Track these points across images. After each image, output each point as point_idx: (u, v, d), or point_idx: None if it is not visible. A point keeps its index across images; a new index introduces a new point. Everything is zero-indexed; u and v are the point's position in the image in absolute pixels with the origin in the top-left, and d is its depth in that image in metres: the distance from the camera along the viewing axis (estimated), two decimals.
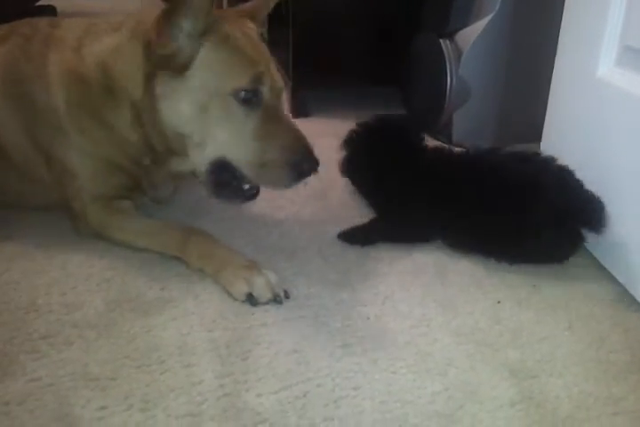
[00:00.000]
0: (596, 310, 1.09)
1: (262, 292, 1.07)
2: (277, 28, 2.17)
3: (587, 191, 1.19)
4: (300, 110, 2.10)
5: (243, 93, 1.09)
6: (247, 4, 1.25)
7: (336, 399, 0.87)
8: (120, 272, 1.16)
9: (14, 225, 1.31)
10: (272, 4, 1.25)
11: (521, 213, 1.17)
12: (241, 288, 1.07)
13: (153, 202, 1.35)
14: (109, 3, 3.86)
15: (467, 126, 1.83)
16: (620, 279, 1.16)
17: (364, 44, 2.12)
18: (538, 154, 1.30)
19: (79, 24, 1.25)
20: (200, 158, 1.15)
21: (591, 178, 1.24)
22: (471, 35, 1.76)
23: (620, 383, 0.91)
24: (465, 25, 1.78)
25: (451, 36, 1.81)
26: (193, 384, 0.89)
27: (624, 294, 1.13)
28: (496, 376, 0.92)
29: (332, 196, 1.47)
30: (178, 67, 1.07)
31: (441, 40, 1.81)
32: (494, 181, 1.21)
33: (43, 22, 1.29)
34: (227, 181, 1.17)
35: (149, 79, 1.11)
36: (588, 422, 0.85)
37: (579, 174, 1.25)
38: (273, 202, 1.44)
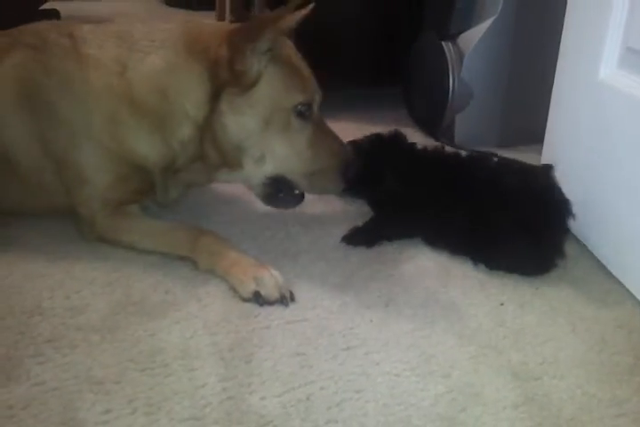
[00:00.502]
0: (599, 312, 1.09)
1: (270, 291, 1.07)
2: None
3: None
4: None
5: (300, 107, 1.16)
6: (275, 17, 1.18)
7: (339, 402, 0.87)
8: (124, 275, 1.16)
9: (16, 229, 1.32)
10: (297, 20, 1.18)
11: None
12: (249, 286, 1.08)
13: (158, 206, 1.35)
14: (112, 6, 3.88)
15: (469, 128, 1.84)
16: (624, 281, 1.16)
17: (366, 47, 2.12)
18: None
19: (104, 37, 1.23)
20: (258, 172, 1.22)
21: (593, 179, 1.25)
22: (473, 37, 1.77)
23: (624, 385, 0.91)
24: (467, 27, 1.79)
25: (453, 38, 1.82)
26: (196, 388, 0.89)
27: (627, 296, 1.13)
28: (499, 379, 0.92)
29: (334, 199, 1.48)
30: (247, 84, 1.12)
31: (443, 42, 1.81)
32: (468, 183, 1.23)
33: (49, 30, 1.26)
34: (279, 190, 1.26)
35: (214, 96, 1.14)
36: (592, 424, 0.85)
37: (581, 176, 1.25)
38: None
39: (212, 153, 1.21)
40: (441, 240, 1.27)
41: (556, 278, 1.18)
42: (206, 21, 1.22)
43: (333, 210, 1.45)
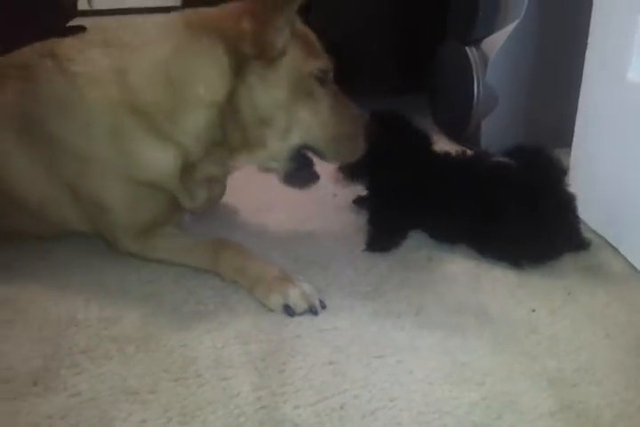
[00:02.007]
0: (633, 316, 1.07)
1: (298, 302, 1.07)
2: None
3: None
4: None
5: (318, 73, 1.16)
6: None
7: (373, 411, 0.87)
8: (156, 287, 1.18)
9: (49, 243, 1.34)
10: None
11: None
12: (277, 300, 1.08)
13: (192, 213, 1.33)
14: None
15: (495, 133, 1.82)
16: None
17: (389, 53, 2.12)
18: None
19: (88, 50, 1.17)
20: (283, 146, 1.18)
21: (625, 181, 1.23)
22: (497, 41, 1.76)
23: None
24: (491, 32, 1.78)
25: (476, 43, 1.80)
26: (230, 397, 0.90)
27: None
28: (534, 386, 0.91)
29: (354, 210, 1.47)
30: (274, 55, 1.10)
31: (467, 47, 1.81)
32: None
33: (30, 54, 1.22)
34: (301, 167, 1.23)
35: (235, 74, 1.11)
36: None
37: (612, 178, 1.23)
38: (303, 214, 1.45)
39: (235, 134, 1.17)
40: (443, 231, 1.29)
41: (587, 283, 1.16)
42: (202, 9, 1.17)
43: (360, 220, 1.44)
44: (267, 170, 1.26)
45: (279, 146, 1.18)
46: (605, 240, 1.30)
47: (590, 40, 1.36)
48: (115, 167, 1.16)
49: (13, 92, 1.19)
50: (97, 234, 1.27)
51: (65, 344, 1.02)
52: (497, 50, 1.75)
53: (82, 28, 3.25)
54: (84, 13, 3.28)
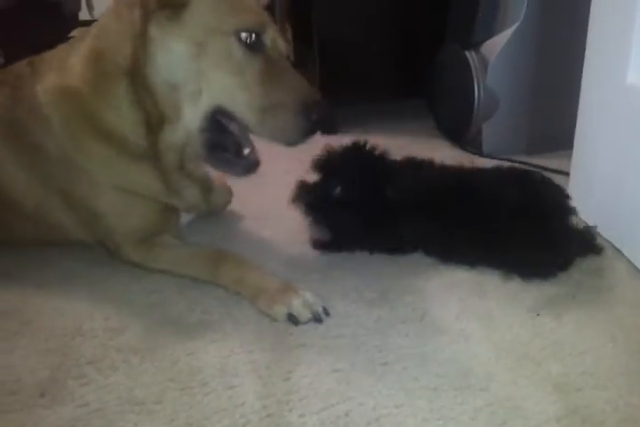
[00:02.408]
0: (638, 320, 1.06)
1: (302, 312, 1.08)
2: (302, 45, 2.20)
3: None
4: (328, 127, 2.12)
5: (244, 35, 1.04)
6: None
7: (378, 418, 0.87)
8: (160, 296, 1.18)
9: (53, 253, 1.34)
10: None
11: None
12: (280, 311, 1.08)
13: (187, 212, 1.33)
14: None
15: (496, 137, 1.83)
16: None
17: (389, 58, 2.14)
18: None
19: (59, 52, 1.20)
20: (195, 111, 1.08)
21: (626, 184, 1.23)
22: (497, 45, 1.77)
23: None
24: (490, 36, 1.79)
25: (476, 47, 1.81)
26: (236, 406, 0.90)
27: None
28: (539, 391, 0.91)
29: None
30: (177, 3, 1.02)
31: (466, 51, 1.82)
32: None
33: (19, 63, 1.26)
34: (224, 143, 1.13)
35: (141, 31, 1.04)
36: None
37: (613, 181, 1.23)
38: (303, 222, 1.45)
39: (150, 107, 1.09)
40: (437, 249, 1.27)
41: (592, 287, 1.16)
42: None
43: None
44: (197, 157, 1.16)
45: (192, 111, 1.08)
46: (609, 243, 1.30)
47: (589, 43, 1.36)
48: (90, 174, 1.16)
49: (3, 97, 1.21)
50: (99, 243, 1.28)
51: (71, 355, 1.02)
52: (497, 53, 1.76)
53: None
54: (86, 23, 3.30)
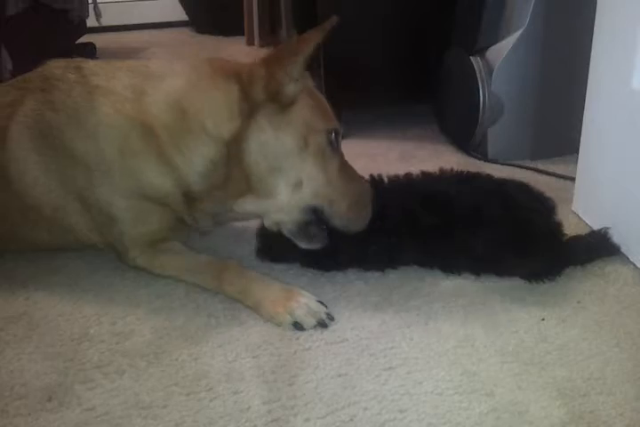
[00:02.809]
0: None
1: (306, 320, 1.08)
2: None
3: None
4: None
5: (332, 135, 1.16)
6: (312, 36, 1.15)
7: (383, 422, 0.87)
8: (166, 301, 1.19)
9: (61, 259, 1.35)
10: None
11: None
12: (285, 319, 1.09)
13: (196, 232, 1.35)
14: (146, 36, 3.99)
15: (502, 142, 1.83)
16: None
17: (395, 63, 2.13)
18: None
19: (115, 70, 1.23)
20: (294, 199, 1.16)
21: (631, 189, 1.23)
22: (502, 50, 1.76)
23: None
24: (495, 41, 1.79)
25: (481, 52, 1.81)
26: (241, 411, 0.91)
27: None
28: (544, 396, 0.91)
29: None
30: (285, 102, 1.12)
31: (471, 57, 1.82)
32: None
33: (55, 68, 1.26)
34: (313, 221, 1.19)
35: (246, 115, 1.12)
36: None
37: (618, 186, 1.23)
38: None
39: (239, 176, 1.16)
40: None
41: (597, 292, 1.16)
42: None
43: None
44: (275, 224, 1.21)
45: (290, 198, 1.16)
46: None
47: (594, 48, 1.36)
48: (120, 181, 1.19)
49: (33, 101, 1.23)
50: (107, 246, 1.29)
51: (78, 359, 1.03)
52: (502, 58, 1.76)
53: (92, 45, 3.31)
54: (94, 30, 3.33)
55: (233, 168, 1.15)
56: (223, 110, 1.14)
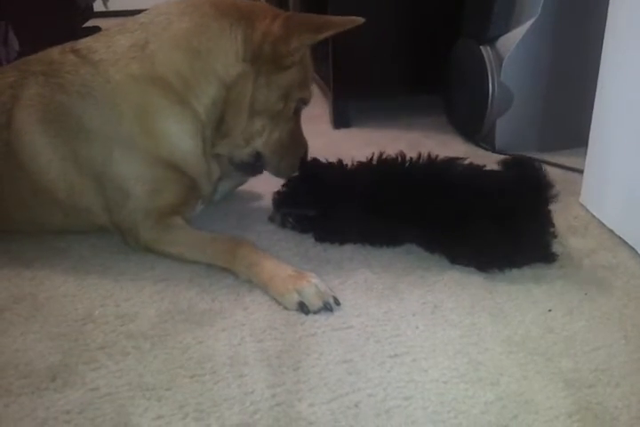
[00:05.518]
0: None
1: (313, 301, 1.08)
2: None
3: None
4: (341, 121, 2.12)
5: (301, 101, 1.32)
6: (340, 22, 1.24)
7: (388, 409, 0.87)
8: (171, 284, 1.18)
9: (65, 241, 1.35)
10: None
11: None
12: (292, 298, 1.09)
13: (203, 204, 1.39)
14: None
15: (510, 133, 1.81)
16: None
17: (403, 53, 2.12)
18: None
19: (108, 37, 1.24)
20: (248, 147, 1.32)
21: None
22: (512, 40, 1.75)
23: None
24: (506, 31, 1.77)
25: (491, 42, 1.80)
26: (245, 394, 0.90)
27: None
28: (550, 386, 0.91)
29: None
30: (283, 66, 1.22)
31: (481, 47, 1.80)
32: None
33: (51, 53, 1.27)
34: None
35: (250, 62, 1.21)
36: None
37: (628, 178, 1.22)
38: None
39: (229, 117, 1.27)
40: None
41: (604, 283, 1.16)
42: None
43: None
44: (226, 156, 1.36)
45: (246, 142, 1.31)
46: (622, 240, 1.29)
47: (606, 39, 1.35)
48: (140, 148, 1.22)
49: (37, 84, 1.23)
50: (116, 227, 1.28)
51: (82, 340, 1.03)
52: (512, 49, 1.74)
53: (98, 29, 3.30)
54: (100, 14, 3.31)
55: (227, 108, 1.25)
56: (231, 55, 1.21)
